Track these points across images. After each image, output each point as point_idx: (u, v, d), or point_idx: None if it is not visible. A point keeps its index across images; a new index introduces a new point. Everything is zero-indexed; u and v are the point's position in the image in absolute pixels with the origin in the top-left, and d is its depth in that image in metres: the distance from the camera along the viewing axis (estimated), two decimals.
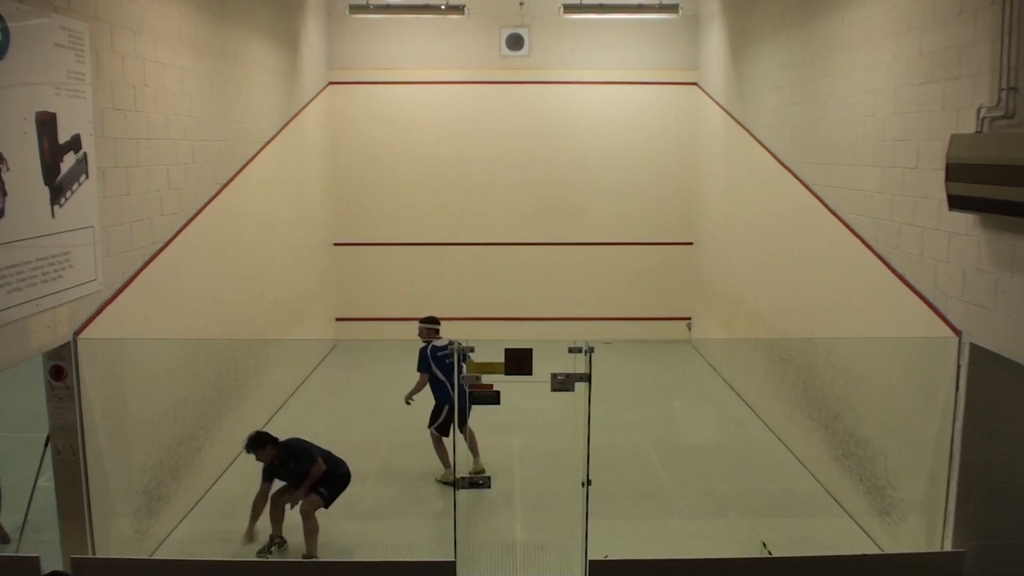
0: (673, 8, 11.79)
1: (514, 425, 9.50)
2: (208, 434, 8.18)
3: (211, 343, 8.29)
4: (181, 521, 7.52)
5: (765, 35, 10.30)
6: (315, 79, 12.77)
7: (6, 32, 4.99)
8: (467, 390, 6.25)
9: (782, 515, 7.81)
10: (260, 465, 6.97)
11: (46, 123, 5.44)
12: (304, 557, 6.86)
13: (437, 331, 8.53)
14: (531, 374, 5.74)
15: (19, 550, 6.89)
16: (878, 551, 6.98)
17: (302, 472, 6.90)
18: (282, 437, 7.03)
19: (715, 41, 12.62)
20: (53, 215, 5.54)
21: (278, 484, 7.04)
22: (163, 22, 7.27)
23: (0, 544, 7.09)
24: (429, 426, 8.41)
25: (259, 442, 6.90)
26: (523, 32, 13.67)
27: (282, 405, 10.73)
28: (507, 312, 13.92)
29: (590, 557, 5.62)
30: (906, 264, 6.68)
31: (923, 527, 6.45)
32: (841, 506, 7.84)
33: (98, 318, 6.15)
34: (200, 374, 8.11)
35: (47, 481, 6.49)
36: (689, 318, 14.14)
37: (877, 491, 7.15)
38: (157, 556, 6.89)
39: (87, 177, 5.94)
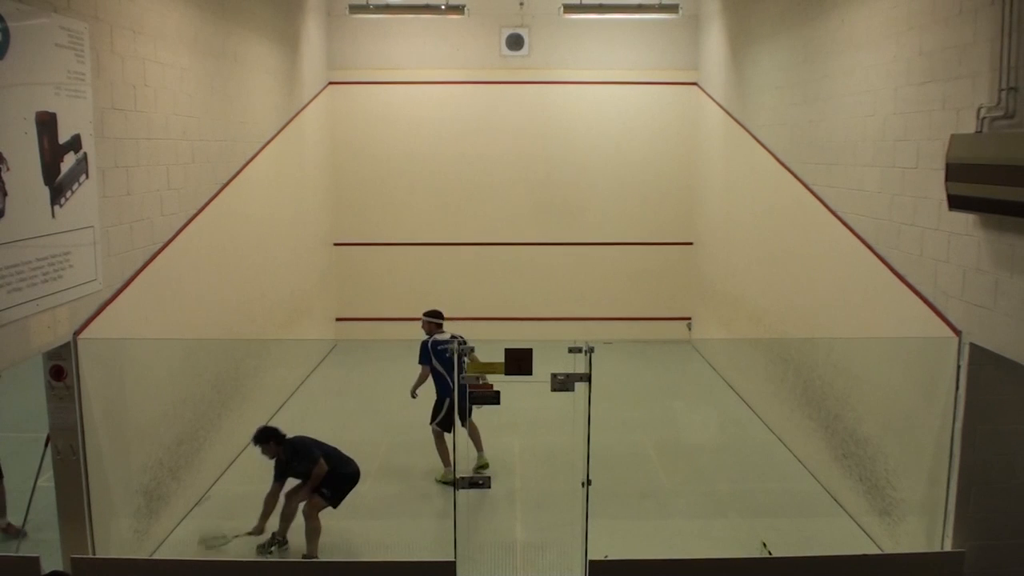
0: (673, 8, 11.78)
1: (514, 425, 9.50)
2: (208, 434, 8.18)
3: (211, 343, 8.29)
4: (181, 521, 7.52)
5: (765, 35, 10.30)
6: (315, 79, 12.77)
7: (6, 32, 4.99)
8: (467, 390, 6.25)
9: (782, 515, 7.81)
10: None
11: (46, 123, 5.44)
12: (304, 558, 6.86)
13: (439, 325, 8.57)
14: (531, 374, 5.73)
15: (19, 550, 6.89)
16: (878, 551, 6.99)
17: (305, 471, 6.91)
18: (299, 428, 7.02)
19: (715, 41, 12.62)
20: (53, 215, 5.54)
21: (293, 482, 7.04)
22: (163, 22, 7.27)
23: (18, 539, 7.09)
24: (431, 422, 8.42)
25: (263, 437, 6.93)
26: (523, 32, 13.67)
27: (282, 405, 10.72)
28: (507, 312, 13.92)
29: (590, 557, 5.62)
30: (906, 264, 6.68)
31: (923, 527, 6.45)
32: (841, 506, 7.84)
33: (98, 318, 6.15)
34: (200, 374, 8.11)
35: (47, 481, 6.49)
36: (689, 318, 14.14)
37: (877, 491, 7.15)
38: (157, 556, 6.89)
39: (87, 177, 5.94)
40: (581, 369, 5.87)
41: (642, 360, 13.10)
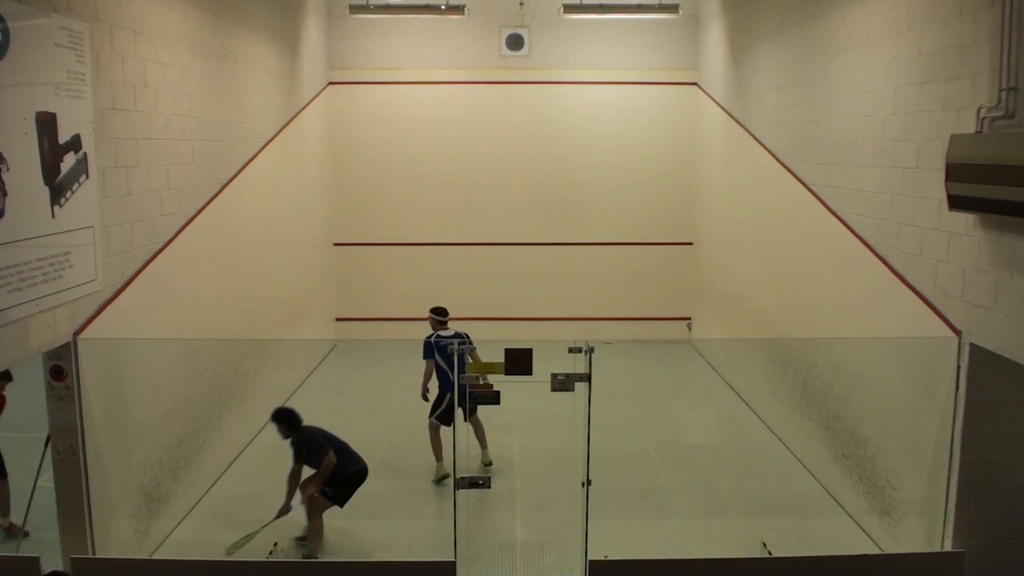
0: (673, 8, 11.78)
1: (514, 425, 9.50)
2: (208, 434, 8.18)
3: (211, 343, 8.30)
4: (181, 521, 7.52)
5: (765, 35, 10.30)
6: (315, 79, 12.77)
7: (6, 32, 4.99)
8: (467, 390, 6.26)
9: (782, 515, 7.81)
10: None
11: (46, 123, 5.44)
12: (304, 558, 6.86)
13: (443, 322, 8.65)
14: (531, 374, 5.74)
15: (19, 550, 6.90)
16: (878, 551, 6.98)
17: (316, 462, 6.94)
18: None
19: (715, 41, 12.62)
20: (53, 215, 5.54)
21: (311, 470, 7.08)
22: (163, 22, 7.27)
23: (19, 539, 7.10)
24: (430, 415, 8.44)
25: (280, 418, 7.04)
26: (523, 32, 13.67)
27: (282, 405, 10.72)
28: (507, 312, 13.92)
29: (590, 557, 5.62)
30: (906, 264, 6.68)
31: (923, 527, 6.45)
32: (841, 506, 7.84)
33: (98, 318, 6.15)
34: (200, 374, 8.12)
35: (47, 481, 6.49)
36: (689, 318, 14.14)
37: (877, 491, 7.15)
38: (157, 556, 6.89)
39: (87, 177, 5.94)
40: (581, 369, 5.87)
41: (642, 360, 13.10)
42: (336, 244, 14.01)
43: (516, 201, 14.01)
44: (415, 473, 8.59)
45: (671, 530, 7.56)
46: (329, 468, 6.88)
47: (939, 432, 6.16)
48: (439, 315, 8.68)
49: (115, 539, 6.39)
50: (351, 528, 7.41)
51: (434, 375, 8.45)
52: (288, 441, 7.06)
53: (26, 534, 7.14)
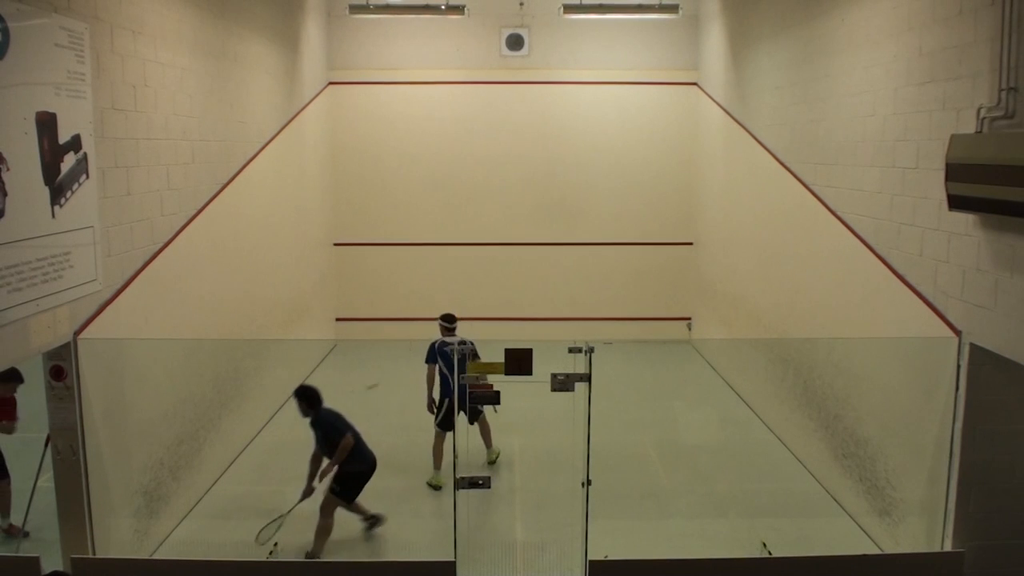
0: (673, 8, 11.78)
1: (514, 425, 9.50)
2: (208, 434, 8.18)
3: (211, 343, 8.29)
4: (181, 521, 7.52)
5: (765, 35, 10.30)
6: (315, 79, 12.77)
7: (6, 32, 4.99)
8: (467, 390, 6.26)
9: (782, 515, 7.81)
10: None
11: (46, 123, 5.44)
12: (307, 555, 6.87)
13: (449, 329, 8.68)
14: (531, 374, 5.74)
15: (19, 550, 6.90)
16: (878, 551, 6.99)
17: (330, 444, 7.00)
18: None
19: (715, 41, 12.62)
20: (53, 215, 5.54)
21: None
22: (163, 22, 7.27)
23: (19, 539, 7.10)
24: (435, 423, 8.49)
25: (302, 395, 7.10)
26: (523, 32, 13.67)
27: (282, 405, 10.71)
28: (507, 312, 13.93)
29: (590, 557, 5.63)
30: (906, 264, 6.67)
31: (923, 527, 6.45)
32: (841, 506, 7.84)
33: (98, 318, 6.15)
34: (200, 374, 8.11)
35: (47, 481, 6.49)
36: (689, 318, 14.13)
37: (877, 491, 7.15)
38: (157, 556, 6.89)
39: (87, 177, 5.94)
40: (581, 369, 5.87)
41: (642, 360, 13.09)
42: (336, 244, 14.01)
43: (516, 201, 14.01)
44: (415, 473, 8.58)
45: (671, 530, 7.56)
46: (346, 449, 6.94)
47: (939, 432, 6.16)
48: (447, 322, 8.74)
49: (115, 539, 6.39)
50: (351, 528, 7.40)
51: (437, 382, 8.46)
52: (308, 422, 7.11)
53: (26, 534, 7.15)
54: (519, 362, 5.74)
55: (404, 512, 7.64)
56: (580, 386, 5.87)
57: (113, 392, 6.43)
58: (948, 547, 6.05)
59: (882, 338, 7.08)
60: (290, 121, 11.39)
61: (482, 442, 8.81)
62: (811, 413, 8.62)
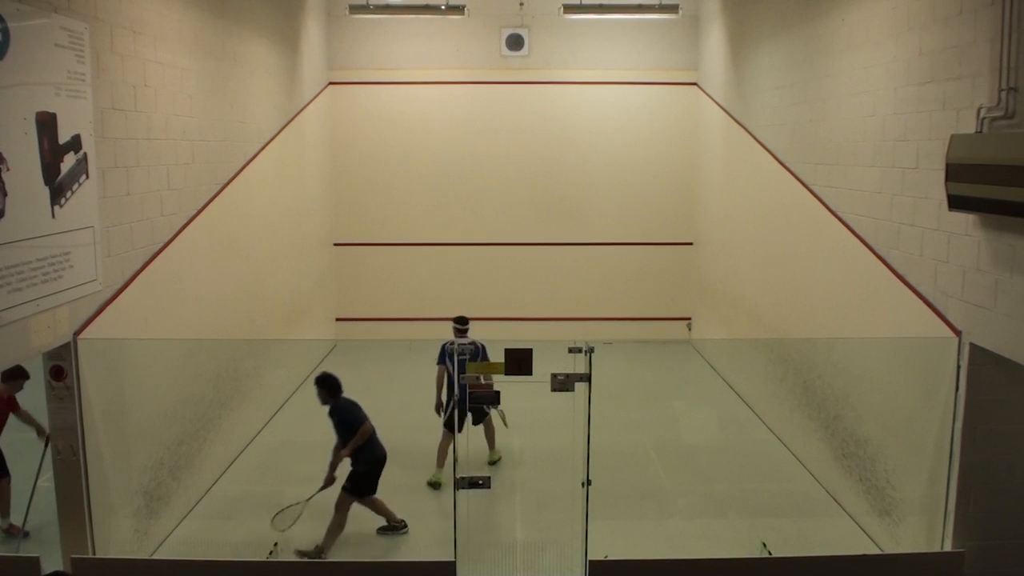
0: (673, 8, 11.78)
1: (514, 425, 9.48)
2: (208, 434, 8.18)
3: (211, 343, 8.29)
4: (181, 521, 7.52)
5: (765, 35, 10.30)
6: (315, 79, 12.77)
7: (6, 32, 4.99)
8: (467, 390, 6.27)
9: (782, 515, 7.81)
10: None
11: (46, 123, 5.44)
12: (315, 548, 6.88)
13: (462, 331, 8.78)
14: (531, 374, 5.74)
15: (20, 550, 6.90)
16: (878, 551, 6.98)
17: (346, 432, 7.07)
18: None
19: (715, 41, 12.62)
20: (53, 215, 5.54)
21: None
22: (163, 22, 7.27)
23: (19, 539, 7.10)
24: (443, 423, 8.54)
25: (323, 382, 7.16)
26: (523, 32, 13.67)
27: (282, 405, 10.72)
28: (507, 312, 13.92)
29: (590, 557, 5.63)
30: (906, 264, 6.68)
31: (923, 527, 6.45)
32: (841, 506, 7.84)
33: (98, 318, 6.15)
34: (200, 374, 8.11)
35: (47, 481, 6.49)
36: (689, 318, 14.13)
37: (877, 491, 7.15)
38: (157, 556, 6.89)
39: (87, 177, 5.94)
40: (581, 369, 5.87)
41: (642, 360, 13.10)
42: (336, 244, 14.01)
43: (516, 201, 14.01)
44: (415, 473, 8.58)
45: (671, 530, 7.56)
46: (366, 435, 7.02)
47: (939, 432, 6.16)
48: (459, 323, 8.84)
49: (115, 539, 6.39)
50: (352, 528, 7.40)
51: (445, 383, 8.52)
52: (327, 411, 7.18)
53: (26, 534, 7.15)
54: (519, 362, 5.74)
55: (404, 512, 7.63)
56: (580, 386, 5.88)
57: (113, 392, 6.43)
58: (948, 547, 6.05)
59: (882, 338, 7.08)
60: (290, 121, 11.39)
61: (484, 443, 8.81)
62: (811, 413, 8.62)
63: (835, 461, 8.00)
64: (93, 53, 6.02)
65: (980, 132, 5.53)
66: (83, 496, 6.04)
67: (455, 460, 6.76)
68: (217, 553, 6.80)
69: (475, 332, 8.75)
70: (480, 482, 6.11)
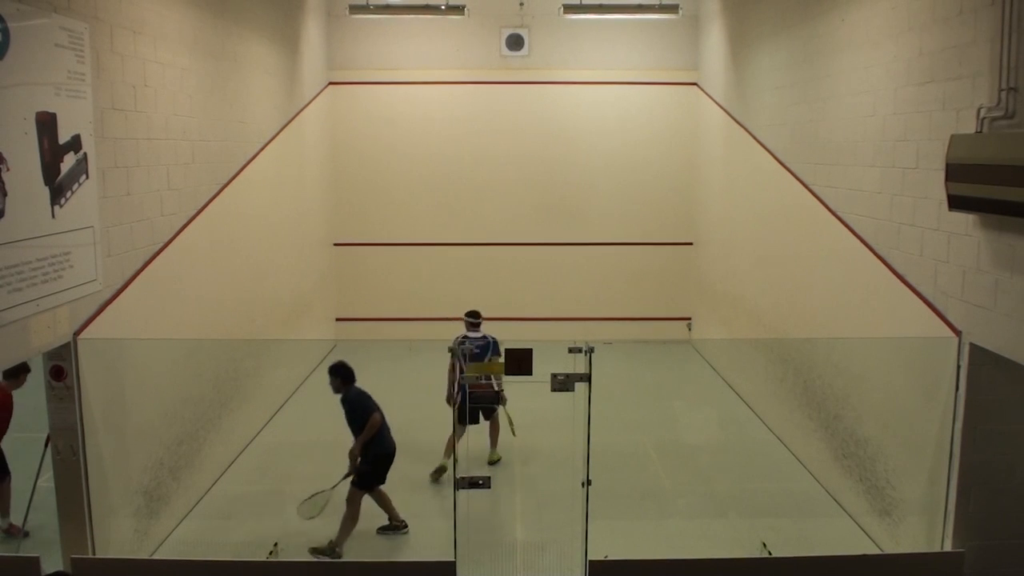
0: (673, 8, 11.78)
1: (514, 425, 9.49)
2: (208, 434, 8.18)
3: (211, 343, 8.29)
4: (181, 521, 7.52)
5: (765, 35, 10.30)
6: (315, 79, 12.77)
7: (6, 32, 4.99)
8: (467, 389, 6.28)
9: (782, 515, 7.81)
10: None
11: (46, 123, 5.44)
12: (329, 543, 6.92)
13: (473, 324, 8.89)
14: (531, 374, 5.74)
15: (20, 550, 6.90)
16: (878, 551, 6.98)
17: (357, 422, 7.12)
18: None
19: (715, 41, 12.62)
20: (53, 215, 5.54)
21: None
22: (163, 22, 7.27)
23: (19, 539, 7.10)
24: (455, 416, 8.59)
25: (336, 371, 7.26)
26: (523, 32, 13.67)
27: (282, 405, 10.72)
28: (507, 312, 13.88)
29: (590, 557, 5.62)
30: (906, 264, 6.67)
31: (923, 527, 6.45)
32: (841, 506, 7.84)
33: (98, 318, 6.15)
34: (200, 374, 8.11)
35: (47, 481, 6.49)
36: (689, 318, 14.13)
37: (877, 491, 7.15)
38: (157, 556, 6.89)
39: (87, 177, 5.94)
40: (581, 369, 5.87)
41: (642, 360, 13.09)
42: (336, 244, 14.01)
43: (516, 201, 14.01)
44: (415, 473, 8.58)
45: (671, 530, 7.56)
46: (375, 426, 7.05)
47: (939, 432, 6.16)
48: (471, 317, 8.92)
49: (115, 539, 6.38)
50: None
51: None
52: (339, 399, 7.24)
53: (26, 534, 7.15)
54: (519, 362, 5.74)
55: (404, 511, 7.63)
56: (580, 386, 5.87)
57: (113, 392, 6.43)
58: (948, 547, 6.05)
59: (882, 338, 7.08)
60: (290, 121, 11.39)
61: (484, 443, 8.81)
62: (811, 413, 8.62)
63: (835, 461, 8.00)
64: (93, 53, 6.02)
65: (980, 132, 5.52)
66: (83, 496, 6.04)
67: (455, 461, 6.76)
68: (217, 553, 6.80)
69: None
70: (480, 482, 6.10)
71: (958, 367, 5.92)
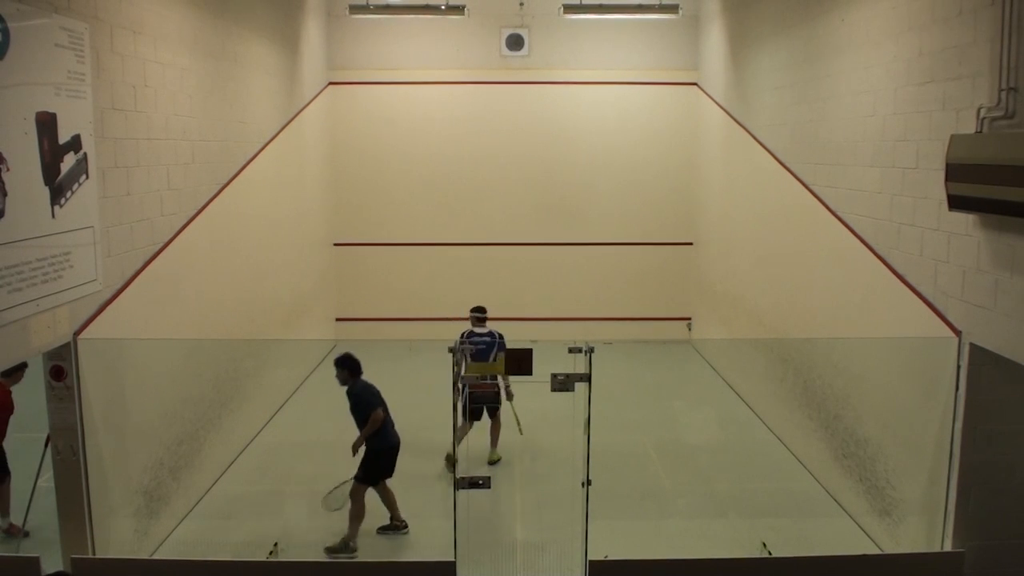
0: (673, 8, 11.78)
1: (514, 425, 9.49)
2: (208, 434, 8.18)
3: (211, 343, 8.29)
4: (181, 521, 7.52)
5: (765, 35, 10.30)
6: (315, 79, 12.77)
7: (6, 32, 4.99)
8: (467, 389, 6.29)
9: (782, 515, 7.81)
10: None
11: (46, 123, 5.44)
12: (342, 540, 6.97)
13: (478, 320, 8.93)
14: (531, 374, 5.74)
15: (20, 550, 6.90)
16: (878, 551, 6.98)
17: (361, 415, 7.15)
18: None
19: (715, 41, 12.62)
20: (53, 215, 5.54)
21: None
22: (163, 22, 7.27)
23: (19, 539, 7.10)
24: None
25: (342, 363, 7.33)
26: (523, 32, 13.67)
27: (282, 405, 10.72)
28: (507, 312, 13.86)
29: (590, 557, 5.63)
30: (906, 264, 6.67)
31: (923, 527, 6.45)
32: (841, 506, 7.84)
33: (98, 318, 6.15)
34: (200, 374, 8.11)
35: (47, 481, 6.49)
36: (689, 318, 14.13)
37: (877, 491, 7.15)
38: (157, 556, 6.89)
39: (87, 177, 5.94)
40: (581, 369, 5.87)
41: (642, 360, 13.09)
42: (336, 244, 14.01)
43: (516, 201, 14.01)
44: (415, 473, 8.58)
45: (671, 530, 7.56)
46: (377, 422, 7.06)
47: (939, 432, 6.16)
48: (476, 312, 8.98)
49: (115, 539, 6.38)
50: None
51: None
52: (345, 391, 7.29)
53: (26, 534, 7.15)
54: (519, 362, 5.75)
55: (404, 510, 7.64)
56: (580, 386, 5.87)
57: (113, 392, 6.43)
58: (948, 547, 6.05)
59: (882, 338, 7.08)
60: (290, 121, 11.39)
61: (484, 443, 8.81)
62: (811, 413, 8.62)
63: (835, 461, 8.00)
64: (93, 53, 6.02)
65: (980, 132, 5.53)
66: (83, 496, 6.04)
67: (455, 461, 6.77)
68: (217, 553, 6.80)
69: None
70: (480, 482, 6.11)
71: (958, 367, 5.92)
